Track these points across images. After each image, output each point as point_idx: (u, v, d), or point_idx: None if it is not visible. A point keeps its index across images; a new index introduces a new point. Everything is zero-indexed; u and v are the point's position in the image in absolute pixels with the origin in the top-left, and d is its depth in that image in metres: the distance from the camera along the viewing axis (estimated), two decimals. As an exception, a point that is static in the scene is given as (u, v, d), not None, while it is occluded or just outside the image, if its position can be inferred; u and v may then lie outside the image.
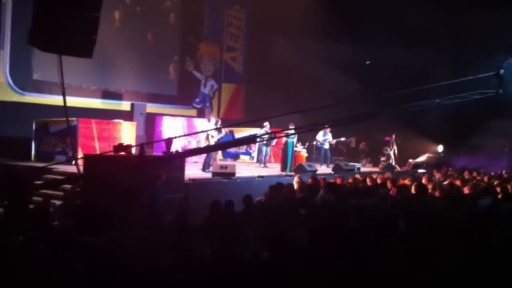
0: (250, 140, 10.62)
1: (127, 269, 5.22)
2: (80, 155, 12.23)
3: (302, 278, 4.61)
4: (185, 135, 14.56)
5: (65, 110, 10.64)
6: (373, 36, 19.47)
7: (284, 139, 15.81)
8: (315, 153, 18.22)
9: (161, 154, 10.64)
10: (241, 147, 18.90)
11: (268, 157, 16.39)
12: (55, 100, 13.52)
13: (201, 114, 20.40)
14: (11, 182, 7.18)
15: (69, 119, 12.14)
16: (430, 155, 20.22)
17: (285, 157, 15.31)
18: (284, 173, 13.87)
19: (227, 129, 14.67)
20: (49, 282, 4.57)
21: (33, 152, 13.77)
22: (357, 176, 12.18)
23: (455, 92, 8.11)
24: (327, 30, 19.35)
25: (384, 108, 8.02)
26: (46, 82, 15.12)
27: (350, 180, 11.46)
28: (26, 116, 14.17)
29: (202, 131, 14.66)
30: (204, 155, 13.75)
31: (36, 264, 5.13)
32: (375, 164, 19.06)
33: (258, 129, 16.27)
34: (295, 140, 15.69)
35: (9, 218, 7.03)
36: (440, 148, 20.67)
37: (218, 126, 14.04)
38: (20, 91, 15.23)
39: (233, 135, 16.00)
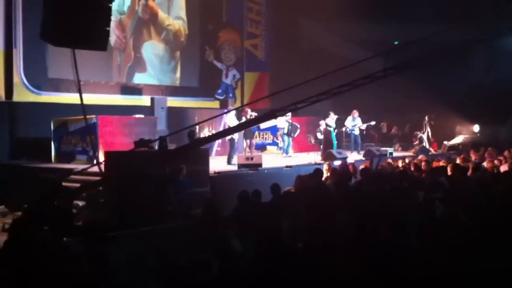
0: (268, 116, 10.50)
1: (157, 263, 5.21)
2: (101, 153, 12.28)
3: (346, 262, 4.52)
4: (197, 124, 14.39)
5: (83, 108, 10.68)
6: (407, 14, 19.17)
7: (323, 127, 15.82)
8: (345, 140, 18.04)
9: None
10: (267, 137, 18.83)
11: (290, 146, 16.32)
12: (73, 98, 13.56)
13: (224, 105, 20.32)
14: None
15: (88, 116, 12.22)
16: (466, 136, 19.82)
17: (329, 146, 15.36)
18: (313, 162, 13.74)
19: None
20: (81, 277, 4.60)
21: (53, 153, 13.91)
22: (389, 161, 12.03)
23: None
24: (354, 9, 19.06)
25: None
26: (63, 80, 15.20)
27: (384, 165, 11.35)
28: (44, 116, 14.28)
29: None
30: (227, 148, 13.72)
31: (66, 259, 5.15)
32: (408, 149, 18.77)
33: (281, 119, 16.20)
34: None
35: (34, 217, 7.05)
36: (476, 128, 20.23)
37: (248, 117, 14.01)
38: (36, 90, 15.34)
39: (258, 125, 15.92)
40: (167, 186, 9.06)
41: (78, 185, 10.41)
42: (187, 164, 9.66)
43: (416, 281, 4.33)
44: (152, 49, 18.53)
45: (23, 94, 15.01)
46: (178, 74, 19.59)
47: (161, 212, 8.69)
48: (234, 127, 12.32)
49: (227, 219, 7.08)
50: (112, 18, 16.31)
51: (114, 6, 15.51)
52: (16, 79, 14.82)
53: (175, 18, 19.20)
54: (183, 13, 19.37)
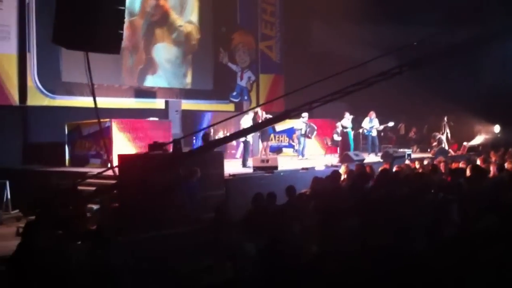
0: (282, 117, 10.49)
1: (166, 267, 5.23)
2: (115, 156, 12.36)
3: (354, 268, 4.50)
4: (210, 126, 14.45)
5: (96, 111, 10.78)
6: (419, 16, 19.07)
7: (340, 129, 15.79)
8: (363, 142, 17.98)
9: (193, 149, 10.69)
10: (283, 140, 18.83)
11: (305, 148, 16.31)
12: (87, 101, 13.72)
13: (239, 108, 20.34)
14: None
15: (102, 120, 12.32)
16: (487, 136, 19.62)
17: (346, 148, 15.32)
18: (330, 164, 13.70)
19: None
20: (87, 281, 4.64)
21: (67, 156, 14.05)
22: (407, 162, 11.96)
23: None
24: (370, 10, 19.02)
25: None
26: (76, 83, 15.33)
27: (403, 166, 11.28)
28: (57, 120, 14.44)
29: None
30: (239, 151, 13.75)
31: (74, 264, 5.20)
32: (426, 150, 18.65)
33: (298, 120, 16.22)
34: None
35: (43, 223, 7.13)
36: (496, 128, 20.02)
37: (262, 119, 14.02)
38: (50, 94, 15.51)
39: (274, 128, 15.92)
40: (181, 189, 9.09)
41: (92, 188, 10.52)
42: (201, 167, 9.68)
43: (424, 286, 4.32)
44: (164, 52, 18.63)
45: (37, 98, 15.19)
46: (189, 79, 19.62)
47: (174, 216, 8.72)
48: (247, 128, 12.31)
49: (241, 222, 7.09)
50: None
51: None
52: (30, 83, 14.99)
53: (187, 22, 19.26)
54: (195, 18, 19.42)
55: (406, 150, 16.04)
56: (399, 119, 20.48)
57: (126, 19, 16.71)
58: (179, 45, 19.10)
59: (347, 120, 16.21)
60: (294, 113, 9.95)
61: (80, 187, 10.56)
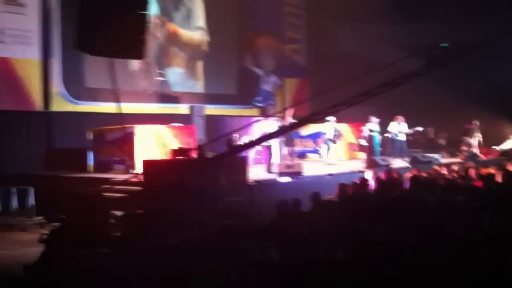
0: (306, 121, 10.48)
1: (188, 274, 5.25)
2: (138, 162, 12.46)
3: (381, 276, 4.46)
4: (233, 131, 14.43)
5: (120, 117, 10.90)
6: (447, 14, 18.87)
7: (366, 133, 15.70)
8: (390, 146, 17.83)
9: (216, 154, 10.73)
10: (308, 145, 18.75)
11: (331, 153, 16.23)
12: (110, 107, 13.86)
13: (263, 113, 20.33)
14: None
15: (125, 126, 12.47)
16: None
17: (372, 153, 15.25)
18: (356, 170, 13.62)
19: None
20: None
21: (90, 162, 14.21)
22: (436, 167, 11.82)
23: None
24: (397, 10, 18.90)
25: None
26: (100, 89, 15.52)
27: (431, 172, 11.17)
28: (81, 126, 14.63)
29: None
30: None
31: (97, 272, 5.25)
32: (456, 155, 18.39)
33: (324, 124, 16.16)
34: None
35: (67, 229, 7.21)
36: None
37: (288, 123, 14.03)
38: (74, 100, 15.72)
39: (298, 132, 15.88)
40: (205, 195, 9.12)
41: (116, 195, 10.64)
42: (225, 172, 9.72)
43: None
44: (176, 73, 18.67)
45: (61, 103, 15.40)
46: (215, 81, 19.68)
47: (197, 222, 8.74)
48: (272, 133, 12.31)
49: (265, 228, 7.08)
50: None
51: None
52: (53, 89, 15.21)
53: (195, 29, 19.18)
54: (202, 22, 19.32)
55: (434, 155, 15.86)
56: (428, 123, 20.24)
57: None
58: (188, 60, 19.00)
59: (373, 124, 16.09)
60: (318, 117, 9.93)
61: (104, 193, 10.72)
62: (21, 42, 14.55)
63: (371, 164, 14.01)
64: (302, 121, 11.11)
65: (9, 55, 14.35)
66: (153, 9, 17.00)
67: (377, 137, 15.89)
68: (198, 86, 19.40)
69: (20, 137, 14.22)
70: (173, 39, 18.41)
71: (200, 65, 19.36)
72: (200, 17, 19.16)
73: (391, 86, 9.30)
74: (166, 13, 18.18)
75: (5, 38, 14.21)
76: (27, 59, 14.73)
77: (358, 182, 9.25)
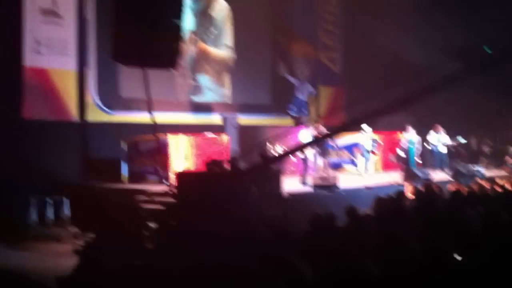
0: (340, 130, 10.44)
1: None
2: (171, 173, 12.63)
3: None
4: (267, 141, 14.49)
5: (154, 127, 11.08)
6: (489, 18, 18.60)
7: (404, 143, 15.56)
8: (430, 157, 17.62)
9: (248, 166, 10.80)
10: (344, 156, 18.68)
11: (369, 164, 16.16)
12: (145, 117, 14.08)
13: (297, 122, 20.34)
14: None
15: (159, 136, 12.66)
16: None
17: (408, 164, 15.13)
18: (394, 182, 13.52)
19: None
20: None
21: (124, 173, 14.45)
22: (479, 181, 11.63)
23: None
24: (437, 14, 18.73)
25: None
26: (134, 99, 15.79)
27: (474, 185, 11.00)
28: (116, 136, 14.90)
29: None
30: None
31: (130, 285, 5.36)
32: (501, 167, 18.06)
33: (361, 134, 16.11)
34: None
35: (102, 241, 7.36)
36: None
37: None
38: (108, 110, 16.02)
39: (334, 143, 15.85)
40: (238, 208, 9.19)
41: (150, 206, 10.81)
42: (258, 185, 9.77)
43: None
44: (207, 79, 18.91)
45: (96, 113, 15.71)
46: (249, 91, 19.83)
47: (231, 235, 8.80)
48: (305, 143, 12.31)
49: (298, 243, 7.09)
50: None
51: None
52: (88, 99, 15.53)
53: (223, 46, 19.42)
54: (230, 41, 19.56)
55: (477, 167, 15.62)
56: (470, 133, 19.95)
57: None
58: (217, 71, 19.23)
59: (410, 134, 15.87)
60: (353, 126, 9.87)
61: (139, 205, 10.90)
62: (57, 53, 14.91)
63: (410, 176, 13.87)
64: (336, 131, 11.06)
65: (46, 65, 14.71)
66: (189, 25, 17.62)
67: (413, 148, 15.66)
68: (230, 96, 19.58)
69: (55, 147, 14.51)
70: (202, 55, 18.83)
71: (229, 76, 19.60)
72: (228, 36, 19.49)
73: (428, 93, 9.18)
74: (199, 31, 18.67)
75: (42, 48, 14.60)
76: (63, 70, 15.07)
77: (394, 196, 9.16)
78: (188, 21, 17.38)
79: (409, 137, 15.74)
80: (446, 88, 9.29)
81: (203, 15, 18.85)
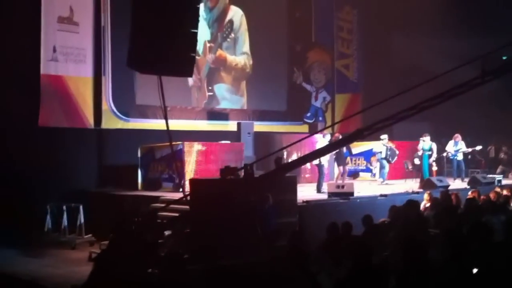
0: (354, 136, 10.29)
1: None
2: (187, 180, 12.60)
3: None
4: (283, 148, 14.36)
5: (169, 134, 11.08)
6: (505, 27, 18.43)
7: (420, 152, 15.39)
8: (447, 166, 17.43)
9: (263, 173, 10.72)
10: (360, 163, 18.57)
11: (386, 172, 16.05)
12: (160, 124, 14.13)
13: (313, 129, 20.28)
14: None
15: (174, 143, 12.63)
16: None
17: (421, 173, 14.97)
18: (410, 191, 13.38)
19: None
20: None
21: (140, 180, 14.48)
22: (497, 189, 11.46)
23: None
24: (450, 23, 18.60)
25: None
26: (150, 106, 15.87)
27: (491, 194, 10.85)
28: (131, 143, 14.95)
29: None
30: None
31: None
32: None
33: (377, 142, 16.00)
34: (434, 152, 15.31)
35: (117, 249, 7.34)
36: None
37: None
38: (124, 117, 16.10)
39: (350, 151, 15.76)
40: (252, 216, 9.14)
41: (164, 214, 10.79)
42: (273, 192, 9.70)
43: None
44: (223, 88, 18.89)
45: (112, 120, 15.80)
46: (265, 98, 19.81)
47: (245, 244, 8.76)
48: (319, 149, 12.16)
49: (315, 253, 7.04)
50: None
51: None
52: (104, 106, 15.62)
53: (240, 54, 19.42)
54: (247, 48, 19.54)
55: (495, 176, 15.42)
56: (488, 141, 19.73)
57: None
58: (235, 79, 19.20)
59: (426, 142, 15.62)
60: (367, 132, 9.75)
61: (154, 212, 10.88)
62: (74, 60, 15.04)
63: (427, 185, 13.73)
64: (349, 138, 10.92)
65: (62, 72, 14.85)
66: (205, 35, 17.84)
67: (427, 156, 15.37)
68: (246, 103, 19.57)
69: (71, 154, 14.62)
70: (220, 62, 18.83)
71: (246, 84, 19.58)
72: (245, 43, 19.51)
73: (444, 98, 9.08)
74: (215, 40, 18.70)
75: (59, 56, 14.73)
76: (80, 77, 15.20)
77: (408, 205, 9.05)
78: (204, 31, 17.62)
79: (425, 145, 15.50)
80: (459, 94, 9.18)
81: (219, 24, 18.88)
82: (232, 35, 19.16)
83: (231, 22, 19.16)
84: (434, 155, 15.49)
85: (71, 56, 14.98)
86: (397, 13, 20.03)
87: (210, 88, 18.47)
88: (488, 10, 18.89)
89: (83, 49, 15.28)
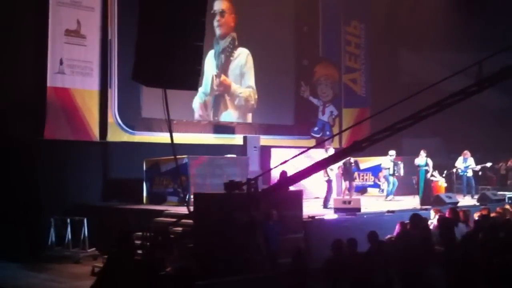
0: (352, 149, 10.16)
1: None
2: (191, 194, 12.55)
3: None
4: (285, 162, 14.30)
5: (173, 148, 11.06)
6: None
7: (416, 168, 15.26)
8: (457, 182, 17.30)
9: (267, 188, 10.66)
10: (368, 179, 18.47)
11: (395, 188, 15.92)
12: (166, 137, 14.05)
13: (320, 144, 20.21)
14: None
15: (179, 156, 12.62)
16: None
17: (427, 189, 14.80)
18: (419, 207, 13.26)
19: (352, 159, 14.50)
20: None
21: (144, 194, 14.45)
22: (507, 206, 11.35)
23: None
24: (456, 38, 18.59)
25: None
26: (156, 119, 15.87)
27: (500, 211, 10.75)
28: (137, 156, 14.96)
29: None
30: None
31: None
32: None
33: (384, 157, 15.92)
34: (430, 168, 15.10)
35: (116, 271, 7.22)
36: None
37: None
38: (130, 130, 16.11)
39: (358, 166, 15.68)
40: (256, 232, 9.07)
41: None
42: (278, 207, 9.64)
43: None
44: (229, 116, 18.93)
45: (117, 134, 15.81)
46: (271, 112, 19.79)
47: (249, 261, 8.69)
48: (318, 162, 11.94)
49: (319, 270, 6.97)
50: (198, 100, 17.61)
51: (201, 89, 16.73)
52: (110, 119, 15.63)
53: (246, 87, 19.40)
54: (252, 83, 19.54)
55: (506, 193, 15.26)
56: (499, 158, 19.58)
57: (201, 100, 17.63)
58: (239, 108, 19.21)
59: (421, 158, 15.41)
60: (365, 144, 9.61)
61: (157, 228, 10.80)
62: (80, 73, 15.11)
63: (436, 201, 13.59)
64: (347, 150, 10.81)
65: (69, 85, 14.90)
66: (212, 66, 18.15)
67: (423, 172, 15.14)
68: (253, 117, 19.57)
69: (76, 166, 14.63)
70: (226, 89, 18.89)
71: (251, 115, 19.66)
72: (251, 78, 19.54)
73: (438, 108, 9.01)
74: (223, 69, 18.78)
75: (65, 69, 14.79)
76: (86, 90, 15.23)
77: (411, 221, 8.97)
78: (211, 63, 17.94)
79: (420, 161, 15.22)
80: (455, 103, 9.13)
81: (226, 57, 18.97)
82: (240, 68, 19.29)
83: (238, 59, 19.27)
84: (430, 171, 15.28)
85: (77, 69, 15.04)
86: (405, 28, 20.04)
87: (216, 118, 18.53)
88: (498, 25, 18.84)
89: (90, 62, 15.33)
